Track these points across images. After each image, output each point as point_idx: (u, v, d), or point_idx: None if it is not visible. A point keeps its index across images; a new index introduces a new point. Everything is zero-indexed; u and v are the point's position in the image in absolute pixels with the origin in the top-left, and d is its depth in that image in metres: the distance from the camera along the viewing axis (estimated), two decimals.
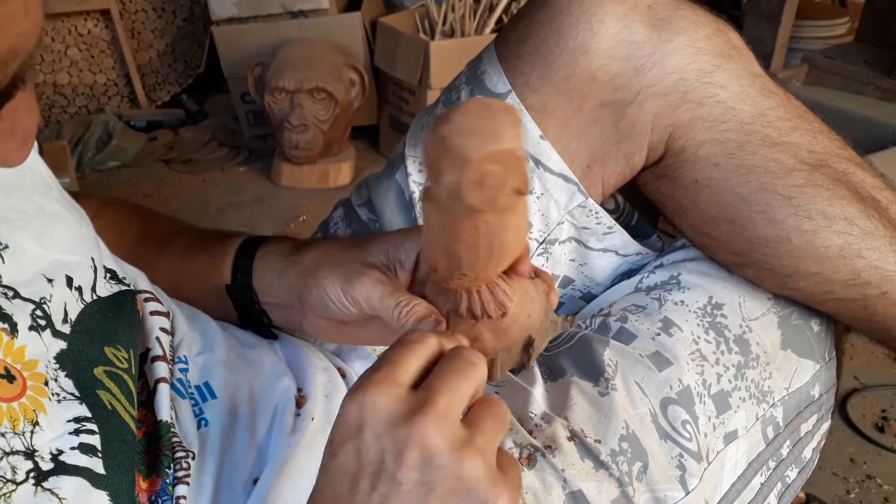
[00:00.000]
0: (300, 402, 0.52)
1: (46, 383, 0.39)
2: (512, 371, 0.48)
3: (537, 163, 0.61)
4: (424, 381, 0.37)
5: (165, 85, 2.24)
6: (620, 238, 0.66)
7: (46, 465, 0.37)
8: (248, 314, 0.56)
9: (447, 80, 0.68)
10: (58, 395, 0.39)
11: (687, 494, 0.56)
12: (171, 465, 0.44)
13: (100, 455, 0.39)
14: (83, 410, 0.40)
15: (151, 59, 2.21)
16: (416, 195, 0.64)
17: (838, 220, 0.58)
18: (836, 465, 1.06)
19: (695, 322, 0.62)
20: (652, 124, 0.59)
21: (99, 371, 0.42)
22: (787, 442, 0.64)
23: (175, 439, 0.45)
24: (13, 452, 0.36)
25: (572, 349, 0.62)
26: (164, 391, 0.46)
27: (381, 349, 0.60)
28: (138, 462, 0.43)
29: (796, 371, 0.64)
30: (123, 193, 1.82)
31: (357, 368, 0.58)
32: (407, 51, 1.77)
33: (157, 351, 0.48)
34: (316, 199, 1.78)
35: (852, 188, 0.60)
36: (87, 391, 0.41)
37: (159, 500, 0.43)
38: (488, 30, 1.83)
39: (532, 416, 0.57)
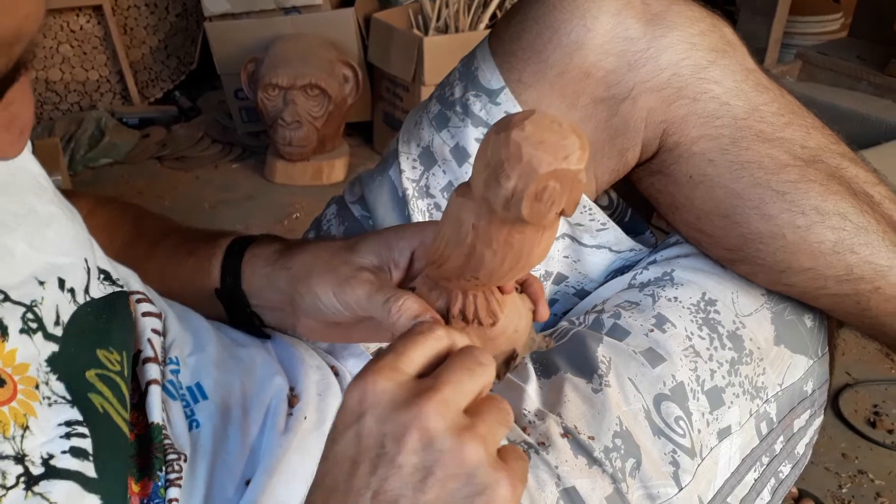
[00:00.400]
0: (292, 401, 0.52)
1: (37, 387, 0.39)
2: None
3: None
4: (430, 374, 0.37)
5: (158, 81, 2.23)
6: (614, 234, 0.66)
7: (37, 470, 0.37)
8: (239, 316, 0.56)
9: (441, 76, 0.68)
10: (49, 398, 0.39)
11: (680, 490, 0.56)
12: (163, 468, 0.43)
13: (91, 459, 0.39)
14: (75, 414, 0.40)
15: (144, 55, 2.20)
16: (410, 192, 0.64)
17: (832, 216, 0.58)
18: (828, 460, 1.06)
19: (688, 318, 0.62)
20: (646, 120, 0.59)
21: (91, 374, 0.41)
22: (781, 437, 0.64)
23: (167, 441, 0.44)
24: (3, 457, 0.36)
25: (566, 346, 0.62)
26: (155, 393, 0.46)
27: (374, 346, 0.59)
28: (130, 465, 0.43)
29: (789, 367, 0.64)
30: (116, 191, 1.81)
31: (350, 366, 0.58)
32: (401, 47, 1.76)
33: (149, 352, 0.48)
34: (309, 196, 1.77)
35: (845, 184, 0.60)
36: (78, 394, 0.40)
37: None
38: (482, 26, 1.82)
39: (526, 412, 0.57)
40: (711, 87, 0.59)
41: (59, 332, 0.41)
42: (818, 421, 0.68)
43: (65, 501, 0.37)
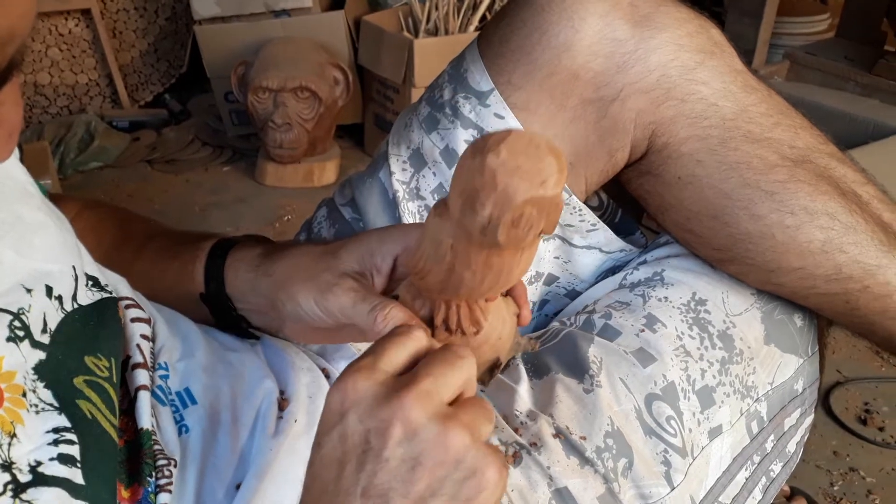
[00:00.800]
0: (282, 404, 0.51)
1: (24, 395, 0.38)
2: None
3: None
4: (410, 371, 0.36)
5: (148, 85, 2.22)
6: (604, 235, 0.66)
7: (24, 477, 0.37)
8: (226, 319, 0.56)
9: (431, 78, 0.68)
10: (36, 406, 0.39)
11: (672, 490, 0.56)
12: (153, 474, 0.43)
13: (79, 465, 0.39)
14: (62, 421, 0.39)
15: (133, 58, 2.19)
16: (400, 194, 0.64)
17: (820, 216, 0.59)
18: (819, 458, 1.06)
19: (679, 318, 0.62)
20: (635, 121, 0.60)
21: (79, 381, 0.41)
22: (772, 436, 0.64)
23: (157, 447, 0.44)
24: None
25: (557, 346, 0.62)
26: (144, 399, 0.45)
27: (364, 346, 0.59)
28: (119, 471, 0.42)
29: (780, 366, 0.64)
30: (106, 194, 1.80)
31: (341, 368, 0.58)
32: (391, 49, 1.76)
33: (138, 358, 0.47)
34: (300, 199, 1.77)
35: (834, 183, 0.61)
36: (66, 401, 0.40)
37: None
38: (472, 28, 1.83)
39: (517, 413, 0.57)
40: (700, 88, 0.59)
41: (46, 339, 0.41)
42: (809, 419, 0.68)
43: None
